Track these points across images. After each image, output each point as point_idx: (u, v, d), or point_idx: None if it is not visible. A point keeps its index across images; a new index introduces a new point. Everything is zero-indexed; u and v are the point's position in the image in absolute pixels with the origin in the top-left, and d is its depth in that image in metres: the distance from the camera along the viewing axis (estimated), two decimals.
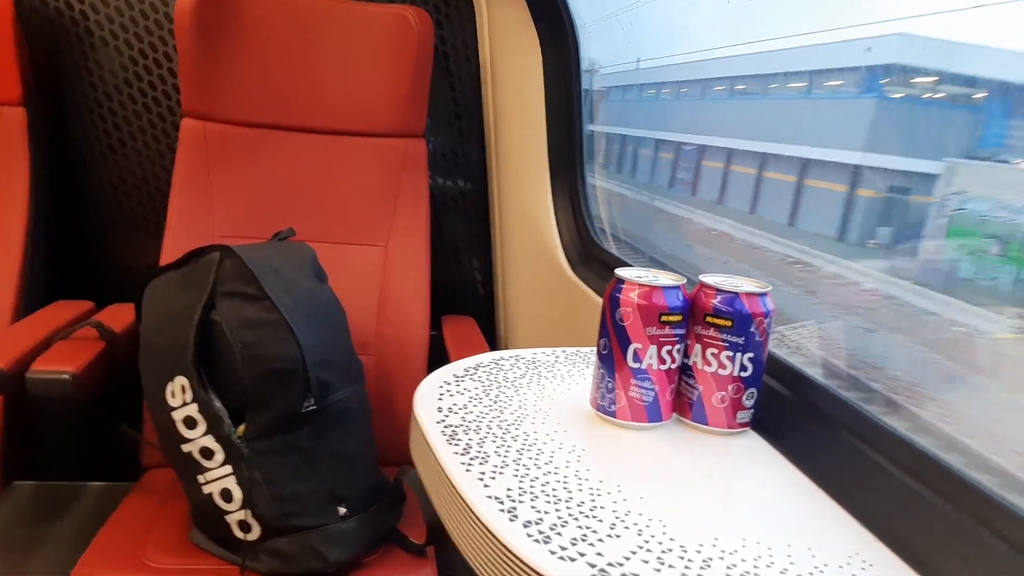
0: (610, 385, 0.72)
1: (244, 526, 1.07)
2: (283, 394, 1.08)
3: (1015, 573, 0.49)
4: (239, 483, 1.07)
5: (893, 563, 0.55)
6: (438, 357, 1.38)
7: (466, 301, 1.66)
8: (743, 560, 0.53)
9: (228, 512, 1.08)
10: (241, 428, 1.08)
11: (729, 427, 0.72)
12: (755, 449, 0.72)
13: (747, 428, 0.73)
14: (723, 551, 0.54)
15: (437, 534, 1.12)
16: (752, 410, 0.73)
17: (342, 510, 1.10)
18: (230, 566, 1.07)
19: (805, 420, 0.72)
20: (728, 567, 0.52)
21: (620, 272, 0.71)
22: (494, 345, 1.64)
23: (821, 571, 0.53)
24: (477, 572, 0.56)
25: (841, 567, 0.54)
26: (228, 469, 1.07)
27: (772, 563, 0.53)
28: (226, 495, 1.07)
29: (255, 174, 1.43)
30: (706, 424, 0.72)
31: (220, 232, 1.38)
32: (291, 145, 1.46)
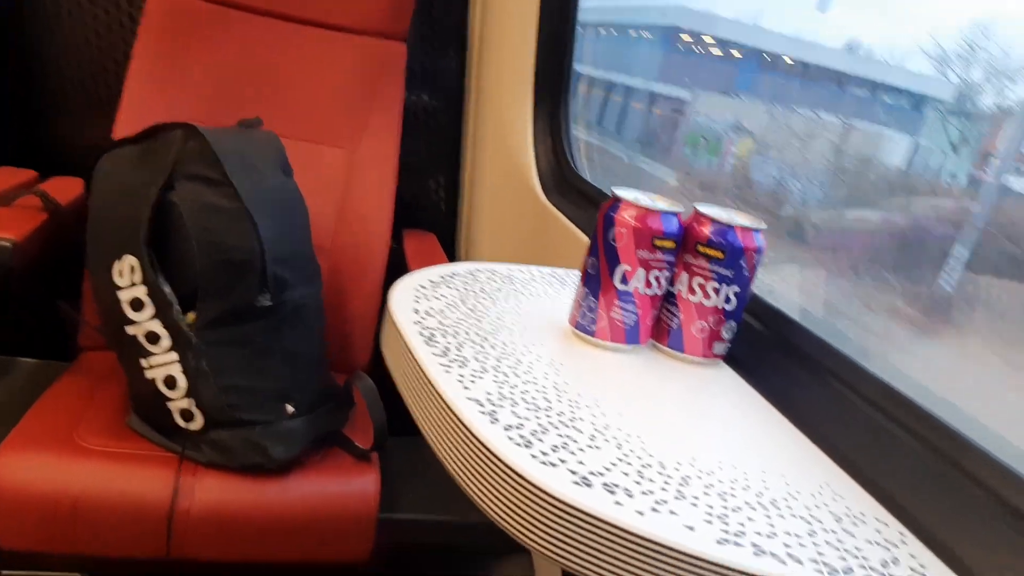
0: (592, 304, 0.71)
1: (186, 415, 1.04)
2: (238, 286, 1.04)
3: (982, 514, 0.51)
4: (184, 371, 1.03)
5: (862, 496, 0.57)
6: (396, 270, 1.35)
7: (426, 217, 1.62)
8: (720, 481, 0.54)
9: (171, 400, 1.04)
10: (191, 315, 1.04)
11: (704, 356, 0.73)
12: (728, 381, 0.73)
13: (720, 360, 0.74)
14: (700, 471, 0.55)
15: (383, 441, 1.11)
16: (728, 343, 0.73)
17: (290, 408, 1.08)
18: (168, 454, 1.04)
19: (779, 356, 0.73)
20: (706, 486, 0.53)
21: (618, 191, 0.70)
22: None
23: (795, 497, 0.54)
24: (452, 473, 0.55)
25: (813, 495, 0.55)
26: (174, 356, 1.04)
27: (748, 486, 0.54)
28: (170, 382, 1.04)
29: (223, 56, 1.35)
30: (682, 352, 0.73)
31: (180, 114, 1.29)
32: (265, 30, 1.38)
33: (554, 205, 1.26)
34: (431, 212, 1.63)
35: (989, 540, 0.50)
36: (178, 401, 1.05)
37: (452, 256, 1.60)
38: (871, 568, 0.48)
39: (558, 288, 0.86)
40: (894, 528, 0.53)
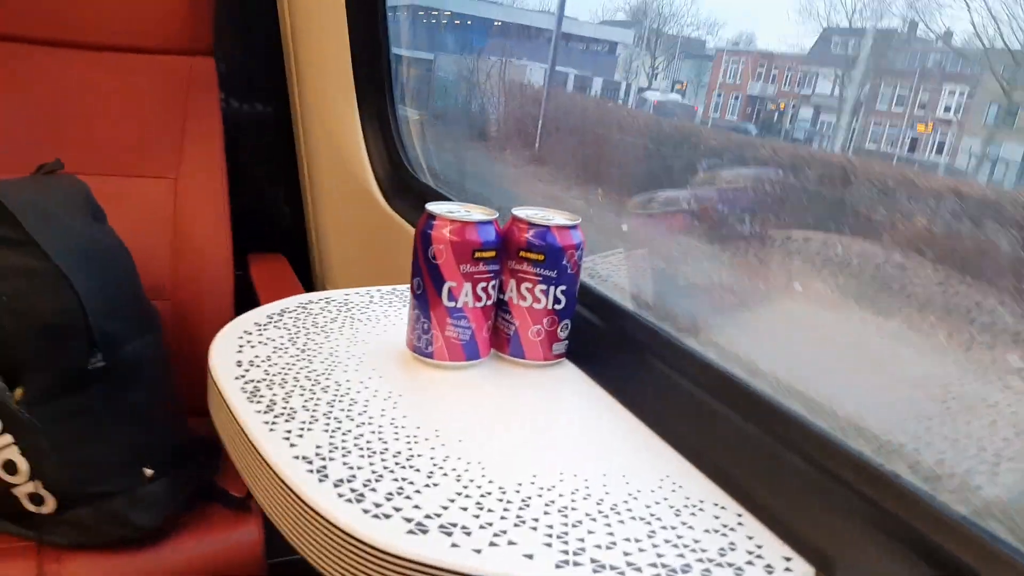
0: (426, 326, 0.69)
1: (36, 499, 0.97)
2: (63, 351, 0.96)
3: (807, 484, 0.53)
4: (23, 453, 0.96)
5: (701, 482, 0.58)
6: (246, 299, 1.29)
7: (275, 237, 1.55)
8: (560, 495, 0.54)
9: (15, 485, 0.96)
10: (18, 392, 0.96)
11: (546, 359, 0.72)
12: (571, 379, 0.72)
13: (562, 359, 0.74)
14: (541, 488, 0.54)
15: None
16: (566, 341, 0.73)
17: (148, 471, 1.01)
18: (26, 542, 0.97)
19: (616, 348, 0.74)
20: (546, 504, 0.53)
21: (431, 207, 0.68)
22: (309, 284, 1.55)
23: (635, 497, 0.54)
24: (287, 539, 0.53)
25: (653, 491, 0.56)
26: (8, 439, 0.95)
27: (589, 495, 0.54)
28: (9, 467, 0.96)
29: (10, 96, 1.23)
30: (523, 358, 0.72)
31: None
32: (53, 63, 1.26)
33: (395, 211, 1.22)
34: (278, 230, 1.56)
35: (816, 509, 0.52)
36: (23, 486, 0.97)
37: (307, 277, 1.54)
38: (708, 560, 0.49)
39: (398, 308, 0.83)
40: (732, 511, 0.54)
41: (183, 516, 1.04)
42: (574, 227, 0.69)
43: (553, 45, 1.51)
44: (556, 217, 0.70)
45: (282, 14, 1.41)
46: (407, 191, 1.25)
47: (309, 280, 1.54)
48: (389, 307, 0.83)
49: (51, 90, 1.25)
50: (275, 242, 1.51)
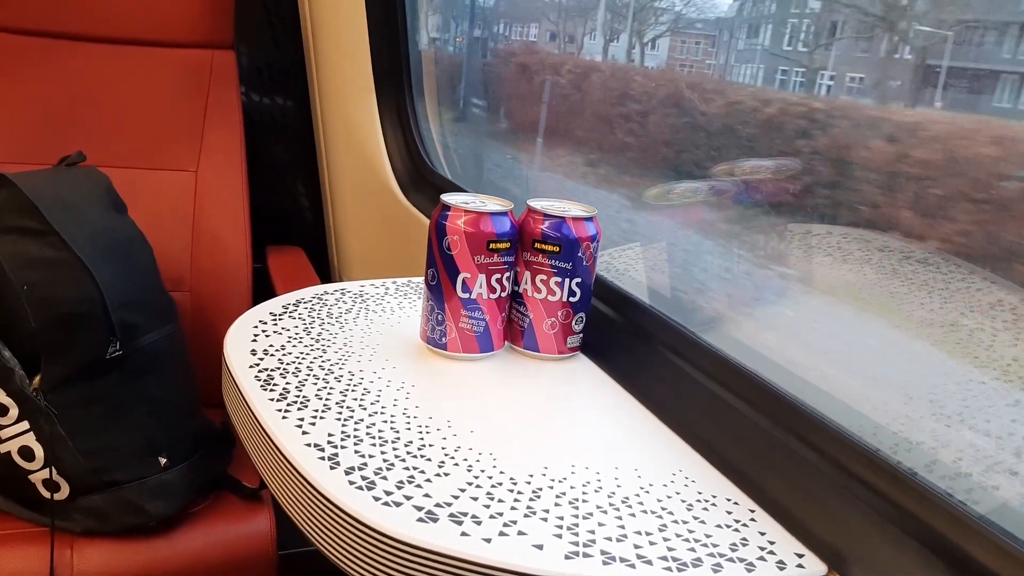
0: (440, 317, 0.69)
1: (50, 485, 0.97)
2: (81, 340, 0.97)
3: (822, 480, 0.52)
4: (39, 440, 0.96)
5: (714, 477, 0.57)
6: (264, 291, 1.29)
7: (293, 230, 1.56)
8: (572, 487, 0.53)
9: (31, 471, 0.98)
10: (37, 379, 0.97)
11: (560, 352, 0.72)
12: (585, 373, 0.72)
13: (577, 352, 0.74)
14: (552, 479, 0.54)
15: None
16: (581, 334, 0.73)
17: (163, 460, 1.02)
18: (39, 528, 0.98)
19: (630, 342, 0.73)
20: (557, 495, 0.52)
21: (446, 198, 0.68)
22: (327, 277, 1.56)
23: (647, 491, 0.54)
24: (299, 526, 0.53)
25: (665, 485, 0.55)
26: (25, 425, 0.96)
27: (600, 488, 0.54)
28: (26, 453, 0.97)
29: (34, 90, 1.25)
30: (537, 351, 0.72)
31: None
32: (76, 56, 1.28)
33: (413, 204, 1.22)
34: (297, 223, 1.57)
35: (831, 505, 0.51)
36: (38, 472, 0.98)
37: (325, 269, 1.55)
38: (720, 555, 0.48)
39: (413, 300, 0.83)
40: (744, 506, 0.54)
41: (196, 505, 1.05)
42: (590, 219, 0.68)
43: None
44: (572, 208, 0.70)
45: (302, 8, 1.42)
46: (425, 184, 1.25)
47: (327, 273, 1.55)
48: (404, 299, 0.83)
49: (73, 83, 1.27)
50: (294, 235, 1.52)
